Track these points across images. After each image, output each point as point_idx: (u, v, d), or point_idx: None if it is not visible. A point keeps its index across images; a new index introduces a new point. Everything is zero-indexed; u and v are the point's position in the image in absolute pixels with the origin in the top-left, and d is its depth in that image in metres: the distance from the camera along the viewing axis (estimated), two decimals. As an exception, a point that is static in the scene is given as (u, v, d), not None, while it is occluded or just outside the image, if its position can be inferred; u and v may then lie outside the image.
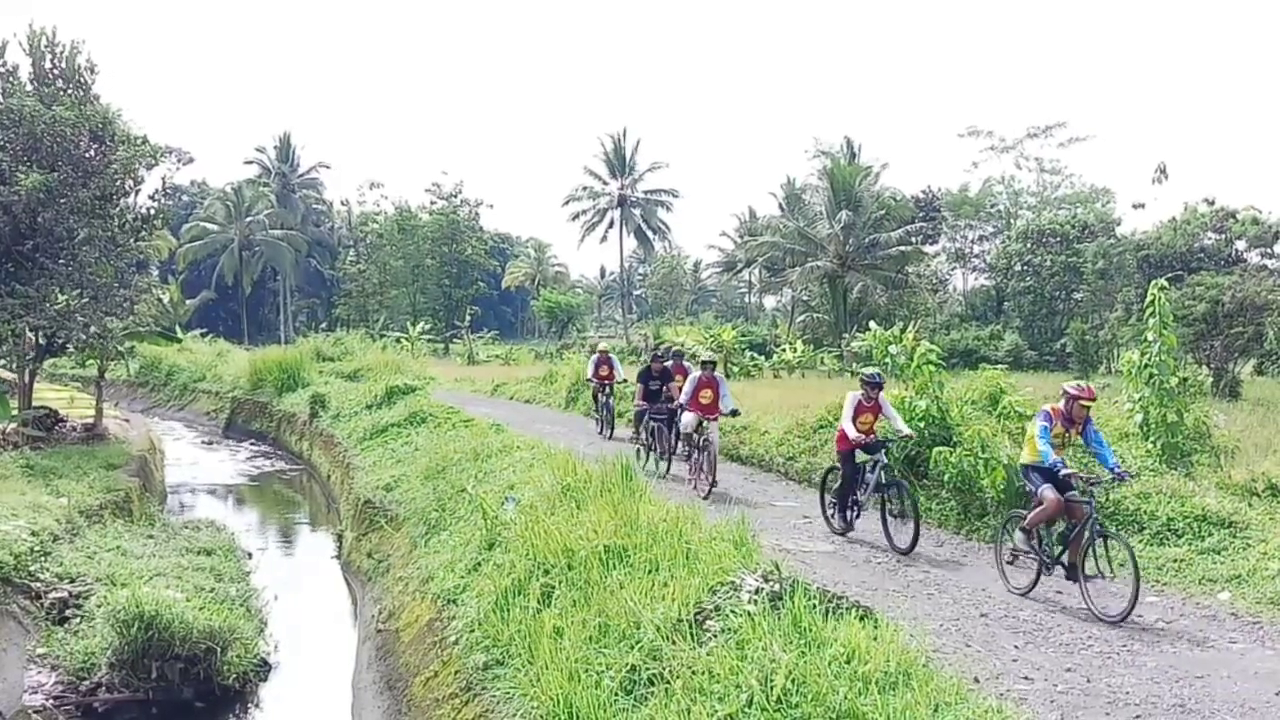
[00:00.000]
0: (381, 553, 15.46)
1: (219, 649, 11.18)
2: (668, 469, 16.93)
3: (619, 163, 79.46)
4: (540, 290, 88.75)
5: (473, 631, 9.55)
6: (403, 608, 12.24)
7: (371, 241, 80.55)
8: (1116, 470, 9.71)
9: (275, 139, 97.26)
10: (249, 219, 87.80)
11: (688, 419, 15.40)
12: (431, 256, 74.61)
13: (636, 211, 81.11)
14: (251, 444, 32.84)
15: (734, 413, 15.58)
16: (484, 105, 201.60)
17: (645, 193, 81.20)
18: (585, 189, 79.92)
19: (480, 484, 14.17)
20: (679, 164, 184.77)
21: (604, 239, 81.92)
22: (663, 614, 7.59)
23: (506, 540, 11.02)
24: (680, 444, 17.06)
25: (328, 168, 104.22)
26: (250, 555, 16.78)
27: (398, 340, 58.64)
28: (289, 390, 34.13)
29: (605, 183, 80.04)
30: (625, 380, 22.72)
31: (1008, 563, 10.48)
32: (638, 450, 17.50)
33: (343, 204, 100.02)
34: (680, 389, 16.85)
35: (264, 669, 12.01)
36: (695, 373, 15.97)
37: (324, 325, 75.96)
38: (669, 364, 18.67)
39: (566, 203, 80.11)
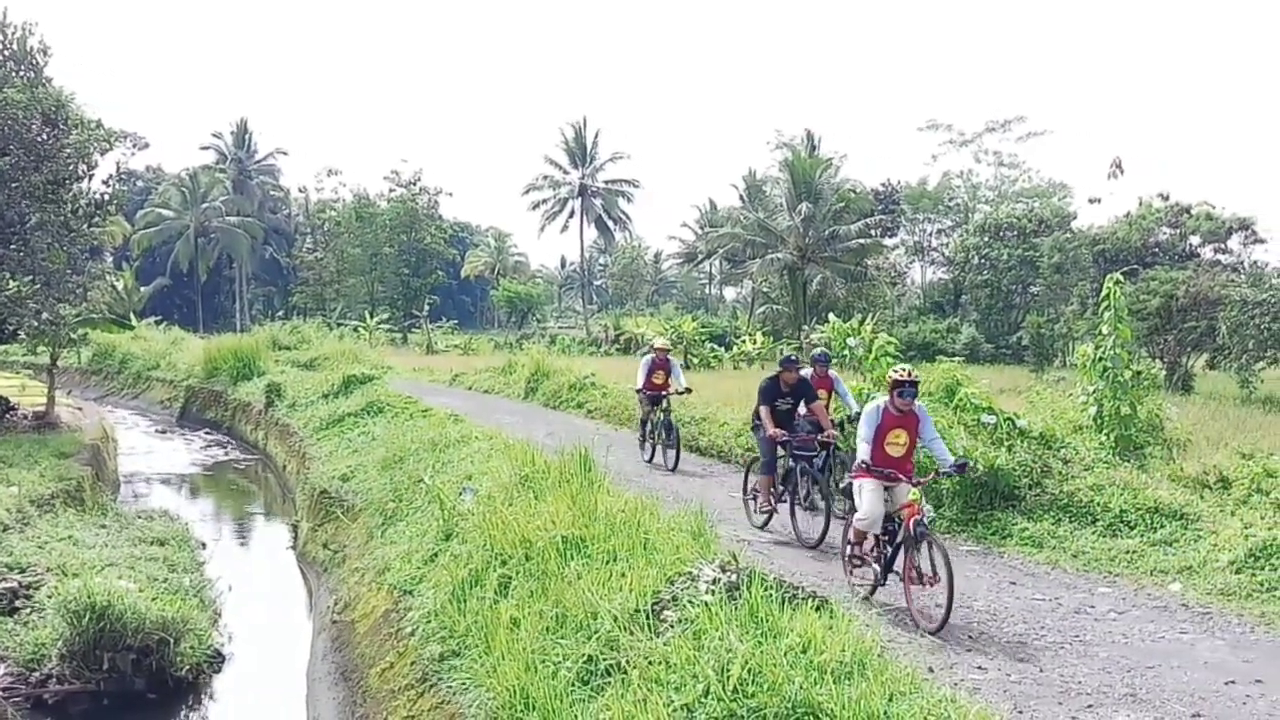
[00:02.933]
0: (337, 543, 15.36)
1: (172, 640, 11.05)
2: (823, 533, 11.49)
3: (580, 152, 79.28)
4: (500, 280, 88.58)
5: (429, 622, 9.53)
6: (358, 598, 12.18)
7: (329, 229, 79.94)
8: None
9: (232, 125, 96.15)
10: (205, 205, 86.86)
11: (869, 499, 9.26)
12: (390, 245, 74.11)
13: (597, 201, 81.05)
14: (206, 433, 32.53)
15: (961, 467, 9.56)
16: (444, 93, 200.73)
17: (606, 183, 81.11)
18: (546, 178, 79.75)
19: (438, 474, 14.10)
20: (640, 154, 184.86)
21: (564, 229, 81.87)
22: (620, 604, 7.59)
23: (464, 531, 10.98)
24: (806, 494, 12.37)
25: (285, 154, 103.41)
26: (204, 545, 16.62)
27: (355, 329, 58.42)
28: (244, 379, 33.83)
29: (566, 172, 79.89)
30: (689, 390, 17.48)
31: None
32: (750, 496, 12.79)
33: (300, 191, 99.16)
34: (825, 408, 12.40)
35: (218, 660, 11.90)
36: (876, 400, 9.78)
37: (280, 314, 75.53)
38: (807, 372, 12.81)
39: (527, 192, 79.94)
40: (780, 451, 12.31)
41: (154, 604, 11.36)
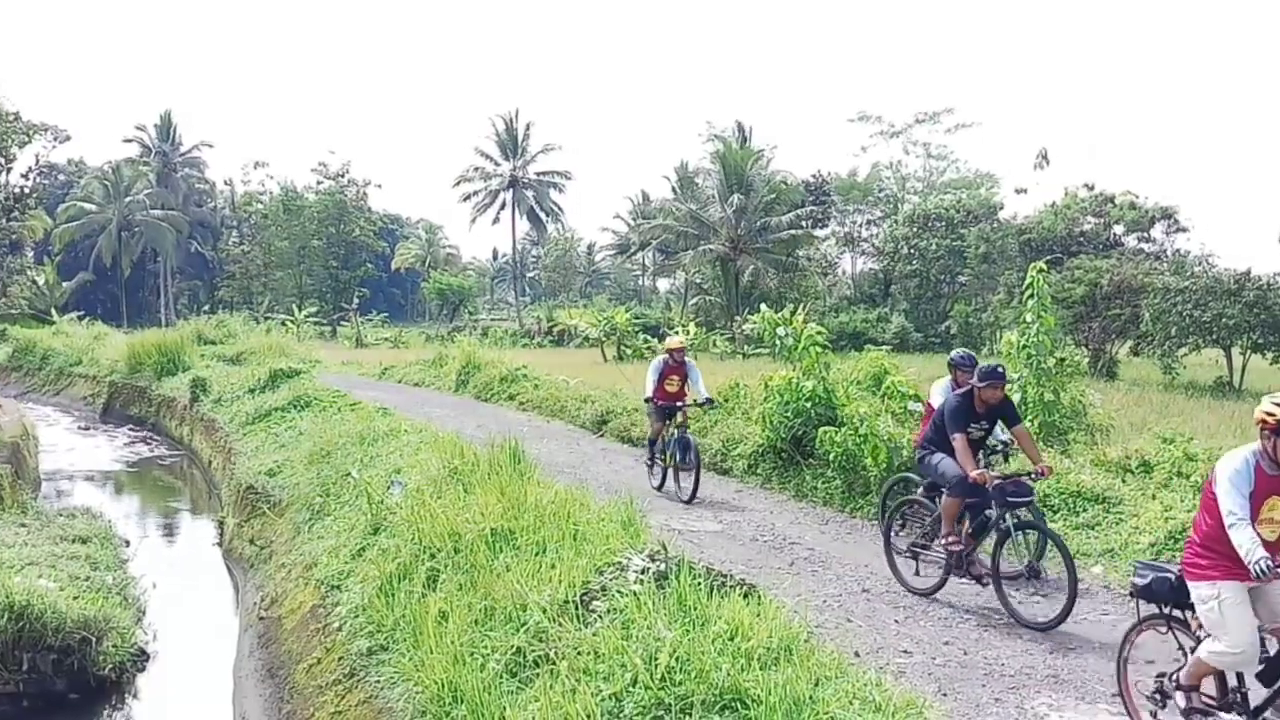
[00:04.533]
0: (264, 539, 15.17)
1: (94, 639, 10.84)
2: (1066, 610, 8.21)
3: (511, 144, 79.04)
4: (431, 272, 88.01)
5: (357, 617, 9.44)
6: (285, 594, 12.04)
7: (256, 222, 79.14)
8: None
9: (156, 117, 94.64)
10: (128, 199, 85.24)
11: (1238, 620, 5.63)
12: (318, 237, 73.38)
13: (529, 193, 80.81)
14: (130, 429, 31.91)
15: None
16: (373, 84, 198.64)
17: (538, 174, 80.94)
18: (477, 170, 79.36)
19: (366, 468, 13.97)
20: (572, 146, 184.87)
21: (496, 220, 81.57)
22: (549, 596, 7.57)
23: (392, 525, 10.89)
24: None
25: (210, 146, 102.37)
26: (128, 543, 16.29)
27: (283, 323, 57.76)
28: (169, 374, 33.24)
29: (497, 164, 79.55)
30: (713, 402, 14.72)
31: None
32: (909, 553, 9.56)
33: (226, 184, 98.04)
34: (1025, 434, 9.11)
35: (142, 659, 11.69)
36: (1241, 451, 5.74)
37: (206, 308, 74.35)
38: (981, 383, 8.90)
39: (457, 183, 79.53)
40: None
41: (75, 603, 11.13)
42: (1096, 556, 10.33)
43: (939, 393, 10.38)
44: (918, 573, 9.50)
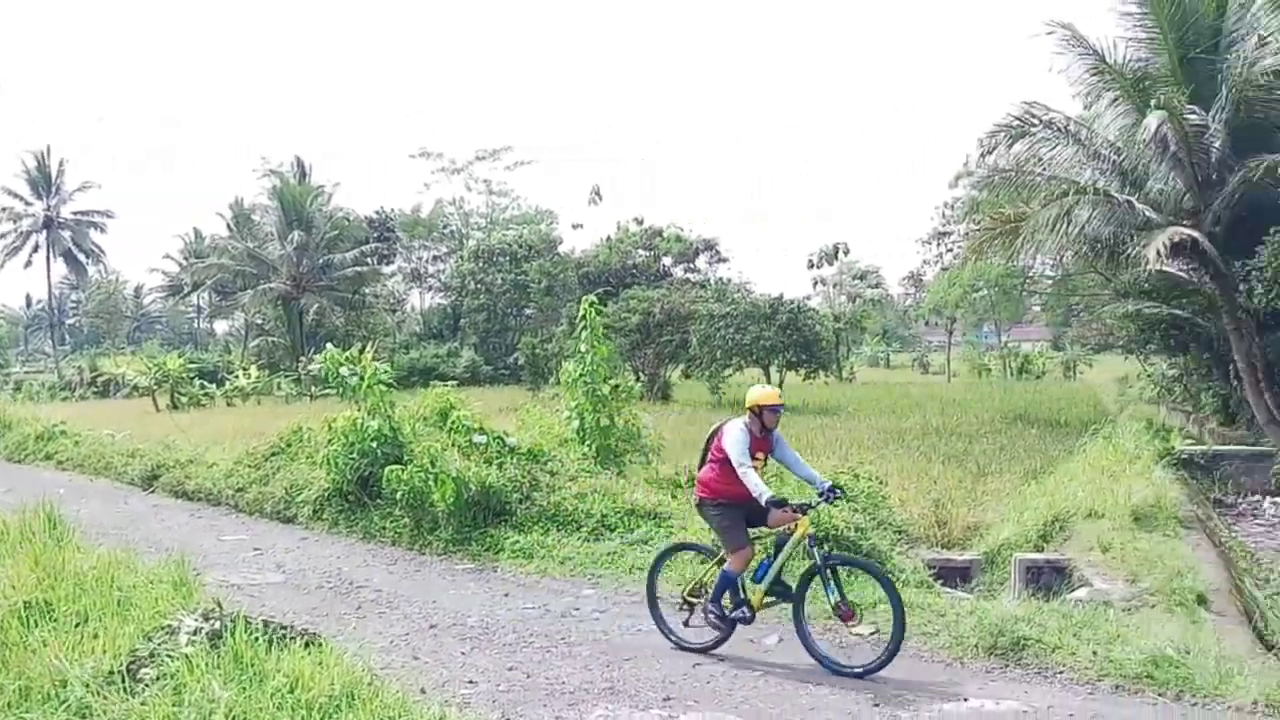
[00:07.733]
0: None
1: None
2: None
3: (44, 182, 72.57)
4: (-48, 323, 79.17)
5: None
6: None
7: None
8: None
9: None
10: None
11: None
12: None
13: (66, 234, 74.47)
14: None
15: None
16: None
17: (75, 214, 74.80)
18: (4, 210, 72.14)
19: None
20: (114, 184, 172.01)
21: (29, 264, 74.42)
22: (92, 668, 7.05)
23: (-97, 608, 9.69)
24: None
25: None
26: None
27: None
28: None
29: (28, 203, 72.75)
30: (841, 492, 8.48)
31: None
32: None
33: None
34: None
35: None
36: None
37: None
38: None
39: (-21, 226, 71.81)
40: None
41: None
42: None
43: None
44: None
